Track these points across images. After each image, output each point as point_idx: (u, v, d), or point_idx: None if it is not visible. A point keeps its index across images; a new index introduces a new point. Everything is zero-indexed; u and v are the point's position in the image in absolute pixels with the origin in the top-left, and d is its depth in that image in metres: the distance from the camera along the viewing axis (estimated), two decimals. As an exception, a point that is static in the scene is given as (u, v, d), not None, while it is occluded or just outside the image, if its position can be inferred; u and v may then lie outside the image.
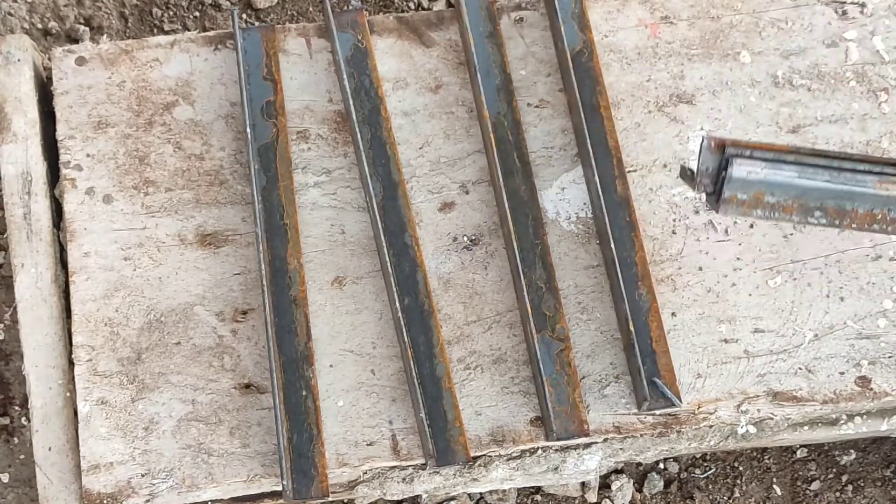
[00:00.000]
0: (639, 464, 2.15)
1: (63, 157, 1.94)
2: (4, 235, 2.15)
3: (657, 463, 2.16)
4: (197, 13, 2.40)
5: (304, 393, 1.81)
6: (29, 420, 2.07)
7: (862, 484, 2.15)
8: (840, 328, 1.89)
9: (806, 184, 1.59)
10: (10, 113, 1.95)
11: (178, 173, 1.94)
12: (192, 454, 1.80)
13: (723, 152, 1.60)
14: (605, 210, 1.89)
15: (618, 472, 2.14)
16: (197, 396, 1.83)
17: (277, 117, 1.95)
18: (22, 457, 2.08)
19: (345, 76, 1.96)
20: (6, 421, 2.11)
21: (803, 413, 1.89)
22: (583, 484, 2.10)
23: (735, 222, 1.94)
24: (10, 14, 2.34)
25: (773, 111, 2.00)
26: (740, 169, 1.59)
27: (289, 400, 1.80)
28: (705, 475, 2.16)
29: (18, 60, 1.97)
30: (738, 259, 1.92)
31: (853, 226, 1.62)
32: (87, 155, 1.94)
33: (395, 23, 2.04)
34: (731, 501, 2.14)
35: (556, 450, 1.87)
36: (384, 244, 1.87)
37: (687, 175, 1.66)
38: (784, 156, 1.59)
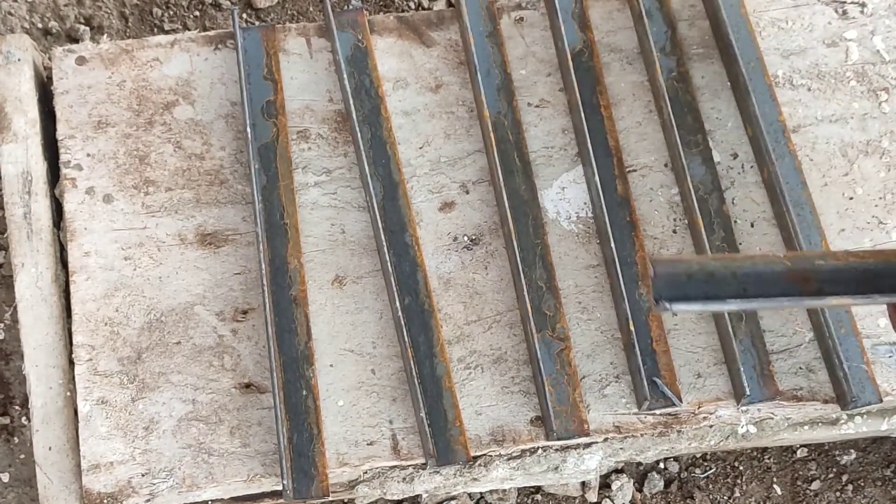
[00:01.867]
0: (639, 463, 2.15)
1: (63, 157, 1.94)
2: (5, 235, 2.15)
3: (657, 462, 2.16)
4: (197, 13, 2.40)
5: (304, 392, 1.81)
6: (29, 419, 2.07)
7: (862, 484, 2.15)
8: (840, 328, 1.89)
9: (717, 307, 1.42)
10: (11, 112, 1.94)
11: (178, 173, 1.94)
12: (192, 454, 1.80)
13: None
14: (605, 210, 1.89)
15: (618, 471, 2.13)
16: (197, 396, 1.83)
17: (278, 117, 1.95)
18: (22, 456, 2.08)
19: (345, 76, 1.96)
20: (6, 420, 2.10)
21: (804, 413, 1.88)
22: (583, 483, 2.10)
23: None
24: (10, 13, 2.34)
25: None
26: (660, 306, 1.38)
27: (289, 399, 1.80)
28: (705, 475, 2.16)
29: (19, 60, 1.97)
30: (739, 259, 1.92)
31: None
32: (88, 154, 1.94)
33: (396, 22, 2.04)
34: (731, 501, 2.14)
35: (557, 449, 1.87)
36: (384, 244, 1.87)
37: None
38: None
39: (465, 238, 1.92)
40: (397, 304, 1.84)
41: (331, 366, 1.85)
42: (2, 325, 2.14)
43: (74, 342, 1.84)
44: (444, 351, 1.83)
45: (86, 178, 1.93)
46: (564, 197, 1.95)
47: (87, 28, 2.35)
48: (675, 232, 1.94)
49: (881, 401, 1.83)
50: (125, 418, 1.81)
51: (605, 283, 1.90)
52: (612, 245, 1.87)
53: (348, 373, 1.84)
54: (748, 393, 1.80)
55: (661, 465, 2.16)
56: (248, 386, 1.84)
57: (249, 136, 1.91)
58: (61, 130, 1.95)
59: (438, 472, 1.86)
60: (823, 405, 1.86)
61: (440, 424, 1.80)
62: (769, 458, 2.16)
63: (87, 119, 1.96)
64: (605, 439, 1.86)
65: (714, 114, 1.99)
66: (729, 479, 2.15)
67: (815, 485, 2.14)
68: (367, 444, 1.82)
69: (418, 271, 1.87)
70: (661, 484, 2.14)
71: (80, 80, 1.98)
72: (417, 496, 2.05)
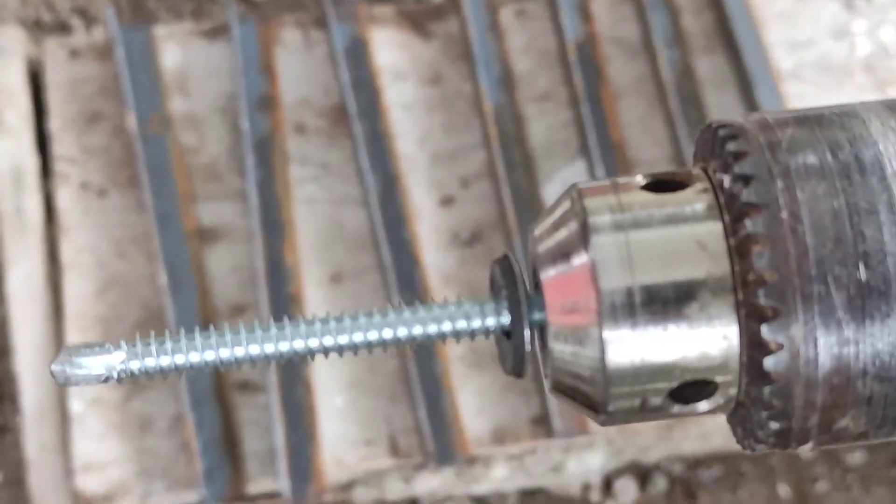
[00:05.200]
0: (642, 464, 2.14)
1: (56, 151, 1.93)
2: (-3, 231, 2.14)
3: (661, 463, 2.15)
4: (192, 5, 2.38)
5: (300, 391, 1.80)
6: (21, 418, 2.06)
7: (870, 484, 2.14)
8: (847, 325, 1.88)
9: None
10: (2, 106, 1.94)
11: (172, 167, 1.93)
12: (186, 453, 1.79)
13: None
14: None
15: (621, 471, 2.13)
16: (192, 395, 1.82)
17: (274, 110, 1.94)
18: (14, 456, 2.07)
19: (342, 68, 1.95)
20: (-1, 419, 2.10)
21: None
22: (585, 484, 2.09)
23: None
24: (1, 5, 2.33)
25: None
26: None
27: (285, 398, 1.79)
28: (710, 475, 2.15)
29: (10, 53, 1.97)
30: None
31: None
32: (81, 149, 1.93)
33: (394, 14, 2.03)
34: (735, 502, 2.13)
35: (558, 449, 1.86)
36: (383, 239, 1.86)
37: None
38: None
39: (466, 234, 1.91)
40: (396, 300, 1.82)
41: (328, 364, 1.83)
42: (-6, 322, 2.14)
43: (67, 340, 1.83)
44: (444, 349, 1.82)
45: (79, 173, 1.92)
46: (566, 192, 1.93)
47: (81, 20, 2.34)
48: (678, 228, 1.92)
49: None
50: (119, 417, 1.81)
51: (607, 280, 1.88)
52: (615, 241, 1.85)
53: (346, 371, 1.83)
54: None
55: (665, 466, 2.15)
56: (244, 384, 1.83)
57: (245, 129, 1.90)
58: (54, 124, 1.95)
59: (437, 472, 1.85)
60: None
61: (439, 424, 1.79)
62: (774, 459, 2.15)
63: (80, 112, 1.95)
64: (608, 439, 1.86)
65: (719, 107, 1.98)
66: (733, 480, 2.14)
67: (822, 485, 2.13)
68: (366, 444, 1.81)
69: (417, 268, 1.86)
70: (665, 485, 2.13)
71: (73, 73, 1.97)
72: (416, 496, 2.04)
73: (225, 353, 0.57)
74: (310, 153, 1.94)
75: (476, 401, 1.83)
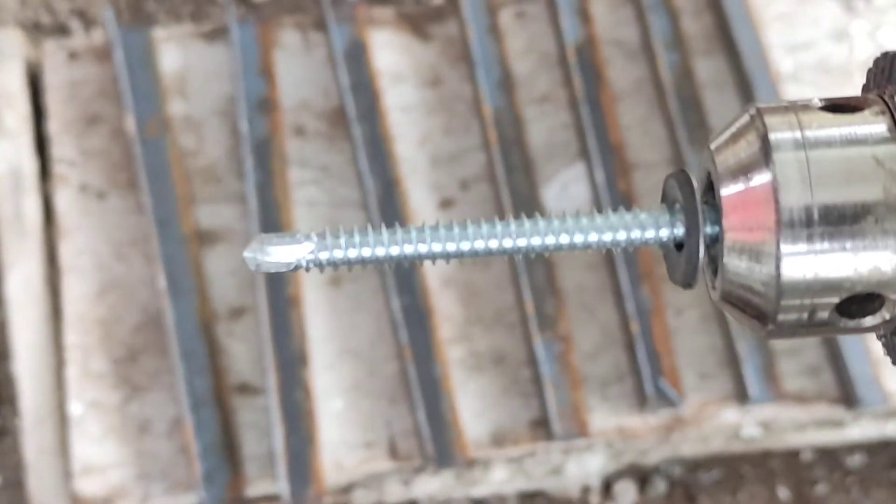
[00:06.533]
0: (641, 466, 2.14)
1: (55, 154, 1.92)
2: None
3: (660, 465, 2.15)
4: (192, 7, 2.38)
5: (300, 394, 1.79)
6: (20, 421, 2.06)
7: (869, 486, 2.13)
8: (847, 328, 1.87)
9: None
10: (1, 109, 1.94)
11: (171, 170, 1.92)
12: (186, 456, 1.78)
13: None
14: (607, 207, 1.87)
15: (620, 474, 2.12)
16: (191, 397, 1.81)
17: (273, 112, 1.94)
18: (13, 458, 2.07)
19: (342, 70, 1.95)
20: (-2, 422, 2.09)
21: (810, 414, 1.87)
22: (584, 486, 2.09)
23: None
24: (0, 8, 2.33)
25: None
26: None
27: (285, 401, 1.79)
28: (709, 478, 2.14)
29: (10, 55, 1.97)
30: (743, 257, 1.90)
31: None
32: (80, 151, 1.93)
33: (394, 16, 2.03)
34: (735, 504, 2.13)
35: (558, 452, 1.86)
36: (382, 242, 1.85)
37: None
38: None
39: (465, 236, 1.91)
40: (395, 304, 1.82)
41: (327, 367, 1.83)
42: (-7, 324, 2.13)
43: (66, 343, 1.83)
44: (443, 352, 1.82)
45: (78, 175, 1.92)
46: (566, 194, 1.93)
47: (80, 22, 2.34)
48: (678, 230, 1.92)
49: (886, 402, 1.83)
50: (118, 420, 1.80)
51: (607, 283, 1.88)
52: (615, 243, 1.85)
53: (345, 374, 1.83)
54: (753, 394, 1.79)
55: (665, 468, 2.15)
56: (243, 387, 1.82)
57: (244, 132, 1.89)
58: (53, 126, 1.94)
59: (437, 474, 1.85)
60: (830, 406, 1.85)
61: (439, 426, 1.79)
62: (774, 462, 2.15)
63: (79, 115, 1.95)
64: (607, 442, 1.85)
65: (718, 109, 1.97)
66: (733, 483, 2.14)
67: (821, 488, 2.13)
68: (365, 447, 1.80)
69: (416, 270, 1.86)
70: (664, 487, 2.12)
71: (72, 75, 1.97)
72: (416, 499, 2.04)
73: (409, 250, 0.58)
74: (309, 156, 1.94)
75: (475, 403, 1.83)
